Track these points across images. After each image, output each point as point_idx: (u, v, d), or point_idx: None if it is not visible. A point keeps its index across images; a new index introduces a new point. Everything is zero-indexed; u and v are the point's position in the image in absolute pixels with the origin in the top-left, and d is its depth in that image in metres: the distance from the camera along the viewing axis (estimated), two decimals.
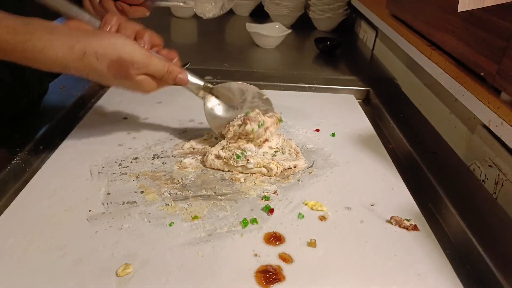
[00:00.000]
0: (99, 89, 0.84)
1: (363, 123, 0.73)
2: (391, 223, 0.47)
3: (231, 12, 1.57)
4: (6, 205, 0.48)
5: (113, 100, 0.77)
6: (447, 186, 0.54)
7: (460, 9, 0.60)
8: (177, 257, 0.41)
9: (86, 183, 0.52)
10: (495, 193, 0.59)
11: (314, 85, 0.88)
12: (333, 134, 0.67)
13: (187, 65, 0.89)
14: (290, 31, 1.17)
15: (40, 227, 0.44)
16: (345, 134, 0.68)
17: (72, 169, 0.55)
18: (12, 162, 0.55)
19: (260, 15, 1.50)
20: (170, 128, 0.67)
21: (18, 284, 0.37)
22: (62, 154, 0.58)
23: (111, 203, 0.49)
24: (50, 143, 0.62)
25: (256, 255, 0.42)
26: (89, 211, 0.47)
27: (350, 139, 0.67)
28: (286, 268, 0.41)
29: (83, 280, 0.38)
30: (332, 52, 1.14)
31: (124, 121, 0.69)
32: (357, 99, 0.86)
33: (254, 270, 0.40)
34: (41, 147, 0.61)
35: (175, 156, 0.59)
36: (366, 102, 0.87)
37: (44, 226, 0.44)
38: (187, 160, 0.58)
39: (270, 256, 0.42)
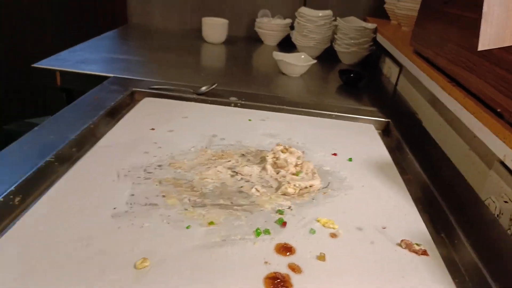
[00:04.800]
0: (130, 102, 0.89)
1: (380, 152, 0.74)
2: (401, 246, 0.48)
3: (259, 41, 1.63)
4: (38, 198, 0.51)
5: (142, 112, 0.81)
6: (461, 218, 0.55)
7: (480, 48, 0.62)
8: (192, 258, 0.43)
9: (113, 184, 0.56)
10: (509, 229, 0.59)
11: (335, 113, 0.90)
12: (350, 159, 0.69)
13: (214, 86, 0.94)
14: (315, 61, 1.21)
15: (67, 219, 0.47)
16: (362, 160, 0.70)
17: (101, 171, 0.58)
18: (47, 159, 0.59)
19: (287, 45, 1.56)
20: (193, 140, 0.71)
21: (43, 267, 0.40)
22: (92, 157, 0.62)
23: (134, 203, 0.52)
24: (82, 147, 0.66)
25: (266, 262, 0.44)
26: (114, 208, 0.50)
27: (366, 165, 0.68)
28: (294, 278, 0.42)
29: (103, 269, 0.40)
30: (355, 84, 1.17)
31: (151, 132, 0.73)
32: (376, 129, 0.88)
33: (264, 276, 0.42)
34: (73, 149, 0.65)
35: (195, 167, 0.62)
36: (385, 133, 0.89)
37: (71, 218, 0.48)
38: (207, 172, 0.61)
39: (279, 265, 0.44)
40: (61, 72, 1.07)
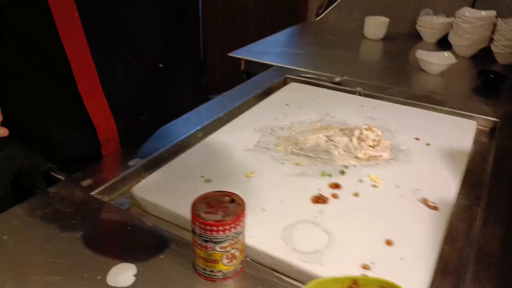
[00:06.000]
0: (282, 85, 1.23)
1: (464, 145, 0.86)
2: (420, 201, 0.67)
3: (419, 38, 1.73)
4: (212, 134, 0.91)
5: (285, 93, 1.14)
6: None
7: None
8: (278, 177, 0.74)
9: (250, 134, 0.90)
10: None
11: (445, 108, 1.02)
12: (428, 144, 0.85)
13: (344, 77, 1.19)
14: (455, 61, 1.29)
15: (224, 144, 0.84)
16: (440, 147, 0.84)
17: (246, 126, 0.93)
18: (220, 116, 0.98)
19: (446, 44, 1.61)
20: (311, 115, 0.99)
21: (212, 158, 0.77)
22: (244, 118, 0.98)
23: (257, 146, 0.85)
24: (242, 111, 1.03)
25: (319, 189, 0.70)
26: (246, 146, 0.85)
27: (441, 151, 0.83)
28: (331, 200, 0.67)
29: (230, 172, 0.75)
30: (495, 86, 1.20)
31: (286, 106, 1.04)
32: (483, 127, 0.97)
33: (312, 195, 0.69)
34: (236, 112, 1.03)
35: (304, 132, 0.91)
36: (491, 133, 0.96)
37: (225, 145, 0.84)
38: (311, 136, 0.89)
39: (326, 192, 0.69)
40: (245, 60, 1.50)
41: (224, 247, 0.50)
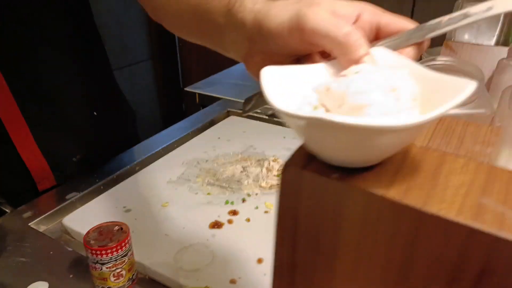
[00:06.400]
0: (223, 118, 1.37)
1: None
2: None
3: None
4: (150, 164, 1.04)
5: (221, 127, 1.28)
6: None
7: None
8: (190, 206, 0.87)
9: (178, 167, 1.04)
10: None
11: None
12: None
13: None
14: None
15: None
16: None
17: (176, 159, 1.07)
18: (158, 150, 1.12)
19: None
20: (236, 147, 1.12)
21: (141, 190, 0.91)
22: (181, 149, 1.12)
23: (180, 178, 0.98)
24: (182, 143, 1.17)
25: (219, 216, 0.83)
26: (170, 178, 0.98)
27: None
28: (226, 225, 0.81)
29: (148, 202, 0.88)
30: None
31: (216, 140, 1.18)
32: None
33: (211, 221, 0.82)
34: (175, 145, 1.17)
35: (225, 164, 1.04)
36: None
37: (157, 175, 0.98)
38: (230, 167, 1.02)
39: (224, 218, 0.82)
40: (199, 94, 1.65)
41: (109, 267, 0.63)
